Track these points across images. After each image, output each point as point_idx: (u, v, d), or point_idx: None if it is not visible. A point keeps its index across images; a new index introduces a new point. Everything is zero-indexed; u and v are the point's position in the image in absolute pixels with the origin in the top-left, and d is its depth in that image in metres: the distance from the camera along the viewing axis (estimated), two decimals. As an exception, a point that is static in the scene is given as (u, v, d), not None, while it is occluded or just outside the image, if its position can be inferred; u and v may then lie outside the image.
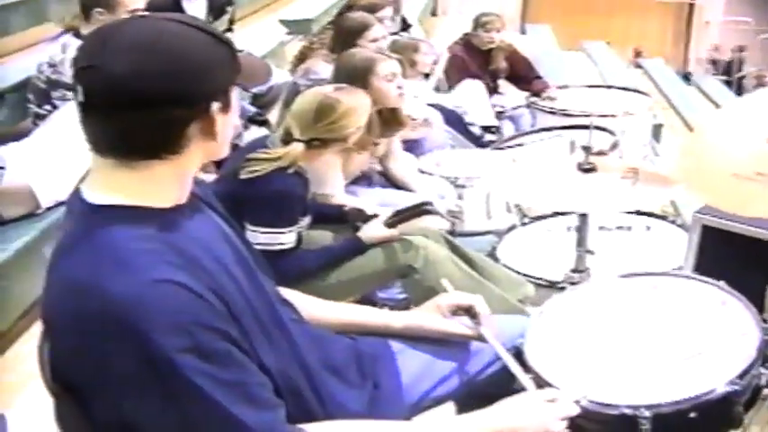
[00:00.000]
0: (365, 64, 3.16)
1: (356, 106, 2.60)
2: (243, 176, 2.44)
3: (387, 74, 3.15)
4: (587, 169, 2.37)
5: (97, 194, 1.30)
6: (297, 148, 2.49)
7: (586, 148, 2.39)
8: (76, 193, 1.34)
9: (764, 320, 1.85)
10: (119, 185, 1.29)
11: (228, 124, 1.36)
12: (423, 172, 3.50)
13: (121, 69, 1.21)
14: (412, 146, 3.87)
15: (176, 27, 1.29)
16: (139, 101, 1.22)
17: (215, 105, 1.30)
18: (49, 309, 1.27)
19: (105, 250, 1.23)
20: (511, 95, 5.51)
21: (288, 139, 2.53)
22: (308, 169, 2.58)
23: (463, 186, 3.45)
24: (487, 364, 1.85)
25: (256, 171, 2.44)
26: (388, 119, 3.13)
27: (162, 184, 1.31)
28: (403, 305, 2.76)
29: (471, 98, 5.04)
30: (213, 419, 1.24)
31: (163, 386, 1.20)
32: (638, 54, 12.79)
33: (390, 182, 3.55)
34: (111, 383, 1.20)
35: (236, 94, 1.38)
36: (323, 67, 3.82)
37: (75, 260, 1.24)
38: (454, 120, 4.62)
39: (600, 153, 3.71)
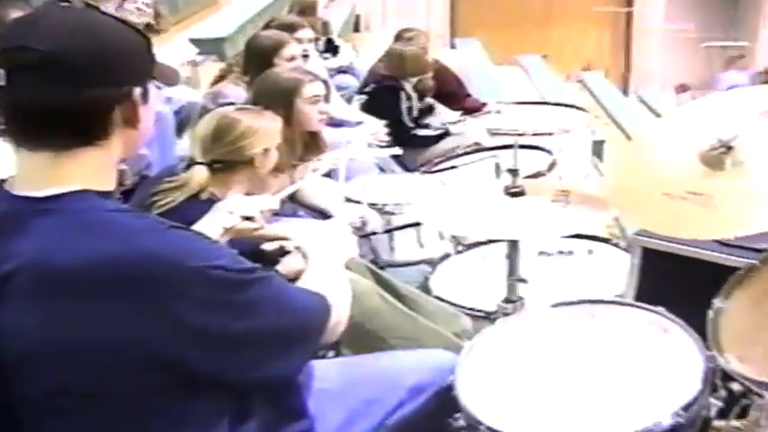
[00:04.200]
0: (290, 84, 3.15)
1: (259, 126, 2.56)
2: (156, 212, 2.36)
3: (311, 96, 3.14)
4: (515, 193, 2.32)
5: (43, 190, 1.36)
6: (199, 171, 2.45)
7: (513, 171, 2.33)
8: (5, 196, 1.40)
9: (708, 347, 1.85)
10: (60, 176, 1.37)
11: (148, 116, 1.47)
12: (349, 199, 3.46)
13: (48, 48, 1.31)
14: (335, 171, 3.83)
15: (97, 14, 1.47)
16: (66, 78, 1.32)
17: (137, 91, 1.41)
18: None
19: (99, 225, 1.35)
20: (443, 115, 5.47)
21: (192, 164, 2.49)
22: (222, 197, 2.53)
23: (392, 213, 3.43)
24: (398, 403, 1.87)
25: (168, 204, 2.39)
26: (308, 142, 3.12)
27: (98, 169, 1.41)
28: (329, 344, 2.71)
29: None
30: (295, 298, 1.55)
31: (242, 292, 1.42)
32: (586, 70, 12.80)
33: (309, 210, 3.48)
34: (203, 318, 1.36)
35: (153, 90, 1.49)
36: (232, 89, 3.78)
37: (74, 246, 1.31)
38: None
39: (537, 174, 3.73)
